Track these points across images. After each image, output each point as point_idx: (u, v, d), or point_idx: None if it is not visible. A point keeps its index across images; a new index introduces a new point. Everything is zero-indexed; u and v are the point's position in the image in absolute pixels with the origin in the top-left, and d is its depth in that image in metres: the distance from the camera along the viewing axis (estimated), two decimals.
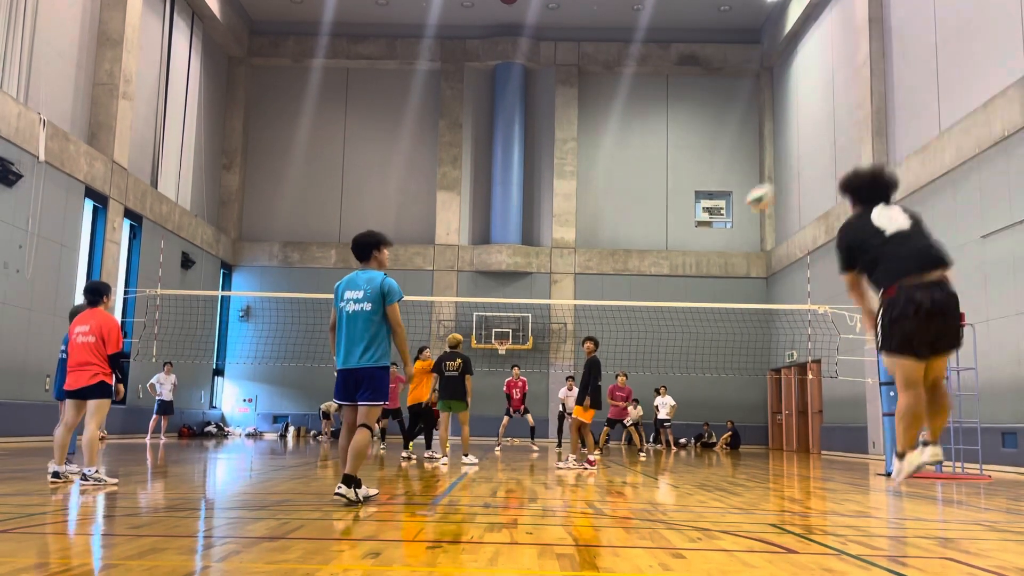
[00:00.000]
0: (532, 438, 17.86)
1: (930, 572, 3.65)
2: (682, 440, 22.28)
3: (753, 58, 24.90)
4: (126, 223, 18.49)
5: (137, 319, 18.23)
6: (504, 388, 17.71)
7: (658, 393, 20.54)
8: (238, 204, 24.65)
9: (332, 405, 20.37)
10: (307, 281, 23.09)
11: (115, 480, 7.06)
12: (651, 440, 21.97)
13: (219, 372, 23.98)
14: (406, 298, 6.30)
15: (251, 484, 8.34)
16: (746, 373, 22.23)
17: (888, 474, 10.41)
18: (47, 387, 14.56)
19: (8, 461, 9.81)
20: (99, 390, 7.04)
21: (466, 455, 11.40)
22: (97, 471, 6.90)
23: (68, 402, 7.21)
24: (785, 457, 17.85)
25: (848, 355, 16.72)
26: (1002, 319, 12.22)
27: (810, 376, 20.02)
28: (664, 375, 20.82)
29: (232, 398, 24.13)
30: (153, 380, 18.17)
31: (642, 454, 17.07)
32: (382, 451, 14.72)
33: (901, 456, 4.53)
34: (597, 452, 12.87)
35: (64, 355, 8.06)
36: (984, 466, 11.06)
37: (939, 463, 4.55)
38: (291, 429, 23.25)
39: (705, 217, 24.93)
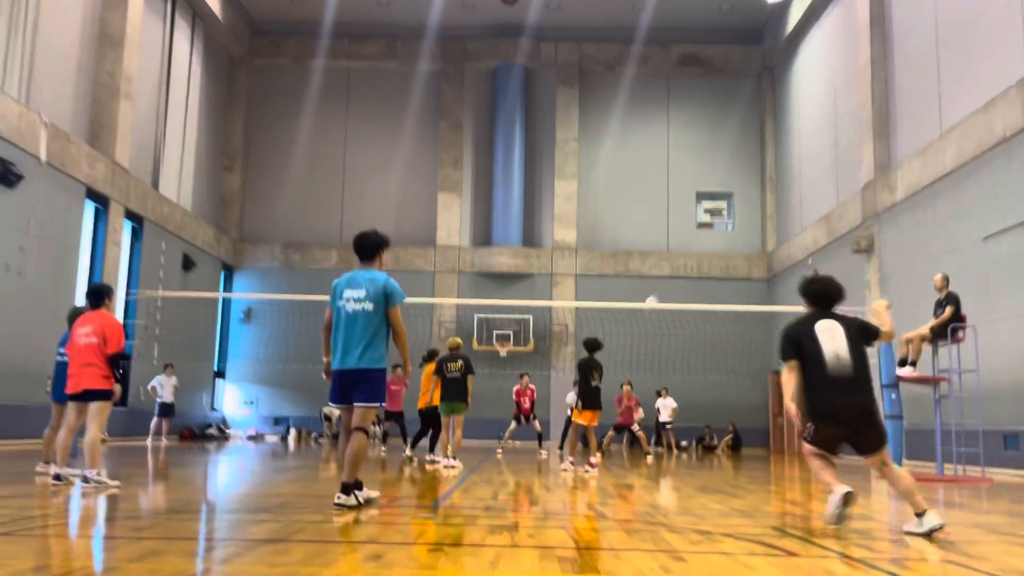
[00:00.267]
0: (540, 444, 17.34)
1: None
2: (683, 442, 22.26)
3: (754, 59, 24.88)
4: (127, 224, 18.45)
5: (138, 321, 18.21)
6: (513, 396, 17.41)
7: (659, 395, 20.52)
8: (239, 205, 24.64)
9: (334, 412, 20.27)
10: (308, 282, 23.01)
11: (116, 483, 7.06)
12: (652, 443, 21.92)
13: (220, 374, 23.95)
14: (407, 300, 6.24)
15: (252, 486, 8.34)
16: (747, 375, 22.20)
17: None
18: (47, 389, 14.52)
19: (8, 463, 9.81)
20: (100, 393, 7.04)
21: (453, 457, 10.78)
22: (99, 474, 6.90)
23: (70, 405, 7.22)
24: (787, 460, 17.83)
25: None
26: (1003, 321, 12.19)
27: None
28: (665, 377, 20.80)
29: (233, 400, 24.12)
30: (154, 382, 18.13)
31: (650, 456, 17.04)
32: (383, 453, 14.72)
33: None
34: (598, 455, 12.84)
35: (61, 358, 8.03)
36: (985, 469, 11.03)
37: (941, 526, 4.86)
38: (292, 431, 23.24)
39: (706, 218, 24.89)
